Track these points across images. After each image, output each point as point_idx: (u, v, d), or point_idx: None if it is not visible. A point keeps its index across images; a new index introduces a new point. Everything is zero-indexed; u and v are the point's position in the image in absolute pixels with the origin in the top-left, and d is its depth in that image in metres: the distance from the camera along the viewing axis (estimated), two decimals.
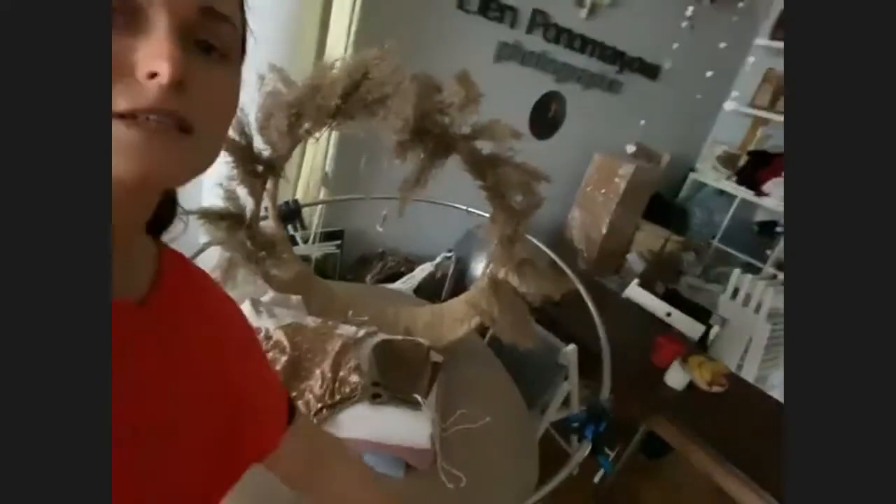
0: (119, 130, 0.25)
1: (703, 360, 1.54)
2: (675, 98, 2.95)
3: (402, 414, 0.87)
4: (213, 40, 0.29)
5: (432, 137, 0.89)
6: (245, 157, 0.97)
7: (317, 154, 1.79)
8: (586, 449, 0.86)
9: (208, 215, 1.00)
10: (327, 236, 2.07)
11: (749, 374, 2.39)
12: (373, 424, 0.86)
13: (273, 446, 0.46)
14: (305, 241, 1.88)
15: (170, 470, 0.32)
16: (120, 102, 0.25)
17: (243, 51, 0.33)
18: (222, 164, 1.01)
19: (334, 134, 1.75)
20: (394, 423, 0.86)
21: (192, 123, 0.27)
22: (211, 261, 1.11)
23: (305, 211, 1.82)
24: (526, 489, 0.99)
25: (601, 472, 1.71)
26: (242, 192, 1.05)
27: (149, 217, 0.33)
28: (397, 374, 0.94)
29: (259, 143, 1.02)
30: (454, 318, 1.18)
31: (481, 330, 1.41)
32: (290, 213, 1.31)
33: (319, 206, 1.88)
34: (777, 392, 2.32)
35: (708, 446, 1.32)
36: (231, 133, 0.98)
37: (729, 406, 1.49)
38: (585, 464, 1.71)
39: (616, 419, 1.25)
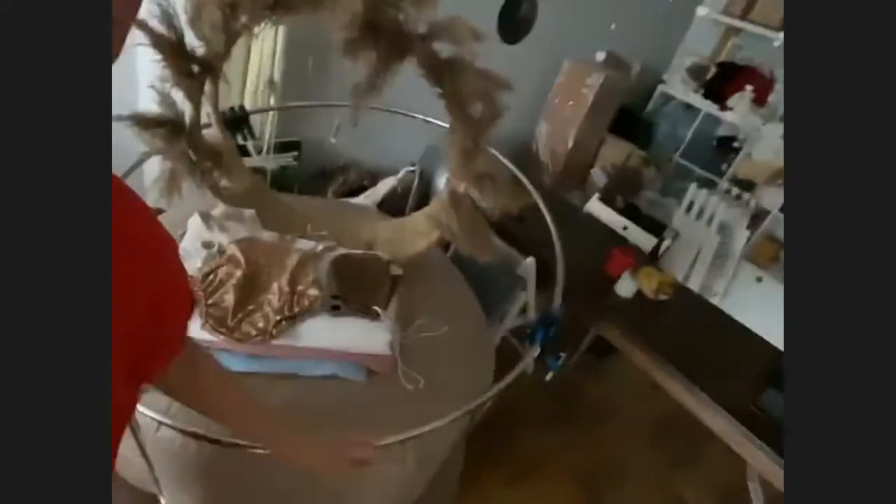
0: None
1: (651, 270, 1.63)
2: (649, 1, 2.79)
3: (362, 323, 0.89)
4: None
5: (385, 35, 0.81)
6: (175, 54, 0.87)
7: (263, 57, 1.63)
8: (535, 351, 0.92)
9: (143, 122, 0.91)
10: (283, 147, 1.96)
11: (695, 284, 2.56)
12: (333, 334, 0.88)
13: (177, 350, 0.49)
14: (259, 153, 1.78)
15: None
16: None
17: None
18: (156, 65, 0.91)
19: (281, 34, 1.59)
20: (354, 332, 0.89)
21: None
22: (153, 173, 1.04)
23: (255, 120, 1.70)
24: (481, 389, 1.07)
25: (550, 373, 1.86)
26: (179, 95, 0.96)
27: None
28: (357, 287, 0.95)
29: (192, 39, 0.91)
30: (415, 233, 1.18)
31: (444, 243, 1.43)
32: (237, 121, 1.22)
33: (270, 115, 1.75)
34: (717, 300, 2.52)
35: (648, 348, 1.44)
36: (157, 26, 0.86)
37: (671, 313, 1.61)
38: (540, 365, 1.86)
39: (568, 324, 1.34)
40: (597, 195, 2.25)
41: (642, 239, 2.06)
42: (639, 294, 1.60)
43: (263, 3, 0.82)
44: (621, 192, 2.51)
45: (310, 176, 2.17)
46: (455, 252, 1.47)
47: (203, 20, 0.85)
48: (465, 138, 0.94)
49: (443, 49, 0.88)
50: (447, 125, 1.22)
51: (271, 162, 1.86)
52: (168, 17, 0.85)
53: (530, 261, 1.45)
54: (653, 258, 2.03)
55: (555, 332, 0.93)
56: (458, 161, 0.98)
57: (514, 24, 2.41)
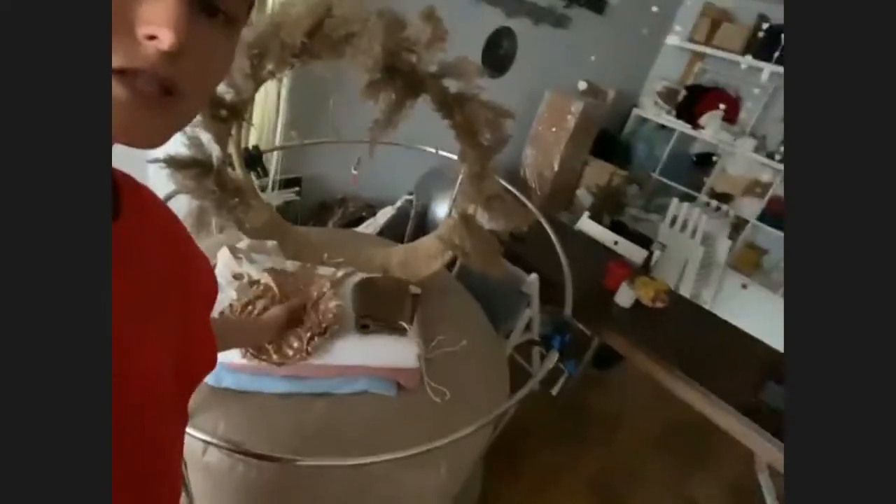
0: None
1: (647, 280, 1.71)
2: (620, 34, 3.00)
3: (390, 340, 0.95)
4: (220, 3, 0.28)
5: (402, 76, 0.90)
6: (209, 101, 0.94)
7: (267, 99, 1.73)
8: (555, 356, 0.98)
9: (174, 163, 0.98)
10: (285, 183, 2.03)
11: (685, 291, 2.66)
12: (364, 351, 0.93)
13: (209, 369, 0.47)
14: (264, 190, 1.85)
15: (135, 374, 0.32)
16: (116, 58, 0.24)
17: (248, 14, 0.32)
18: None
19: (285, 78, 1.68)
20: (383, 349, 0.94)
21: (179, 88, 0.27)
22: (180, 209, 1.09)
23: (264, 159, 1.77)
24: (500, 399, 1.12)
25: (559, 385, 1.91)
26: (206, 137, 1.03)
27: None
28: (381, 306, 1.01)
29: (222, 87, 0.99)
30: (428, 255, 1.25)
31: (448, 264, 1.49)
32: (252, 160, 1.29)
33: (277, 153, 1.83)
34: (708, 306, 2.62)
35: (653, 353, 1.51)
36: None
37: (669, 318, 1.69)
38: (546, 382, 1.91)
39: (572, 338, 1.39)
40: (586, 214, 2.36)
41: (633, 252, 2.16)
42: (637, 304, 1.69)
43: (290, 50, 0.90)
44: (607, 211, 2.63)
45: (310, 210, 2.24)
46: (459, 272, 1.54)
47: (234, 69, 0.93)
48: (475, 164, 1.03)
49: (450, 85, 0.98)
50: (434, 152, 1.30)
51: (276, 198, 1.92)
52: None
53: (534, 277, 1.52)
54: (645, 270, 2.13)
55: (570, 337, 0.99)
56: (470, 184, 1.06)
57: (497, 59, 2.57)
